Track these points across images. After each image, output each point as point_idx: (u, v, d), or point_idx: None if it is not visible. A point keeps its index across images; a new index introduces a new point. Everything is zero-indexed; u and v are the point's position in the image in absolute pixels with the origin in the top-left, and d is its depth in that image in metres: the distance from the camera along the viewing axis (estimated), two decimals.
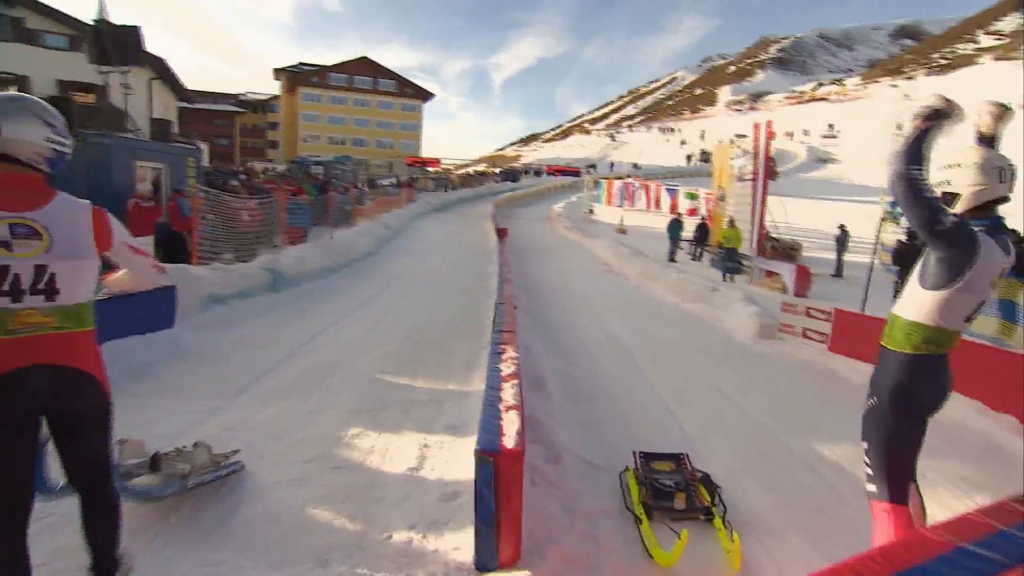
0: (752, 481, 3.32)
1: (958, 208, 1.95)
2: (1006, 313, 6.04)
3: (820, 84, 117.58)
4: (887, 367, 2.04)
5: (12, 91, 4.28)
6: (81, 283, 1.75)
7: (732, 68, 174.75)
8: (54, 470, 1.93)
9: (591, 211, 26.94)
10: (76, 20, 17.58)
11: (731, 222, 13.65)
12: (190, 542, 2.44)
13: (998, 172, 1.93)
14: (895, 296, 2.14)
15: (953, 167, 1.95)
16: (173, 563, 2.27)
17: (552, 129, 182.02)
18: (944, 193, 1.97)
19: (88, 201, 1.80)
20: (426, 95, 63.20)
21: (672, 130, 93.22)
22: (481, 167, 60.98)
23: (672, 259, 15.30)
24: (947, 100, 1.91)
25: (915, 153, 1.86)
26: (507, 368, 3.17)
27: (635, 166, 54.63)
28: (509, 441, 2.19)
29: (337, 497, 2.88)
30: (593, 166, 55.25)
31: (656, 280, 11.33)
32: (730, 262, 13.07)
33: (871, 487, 2.04)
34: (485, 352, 4.76)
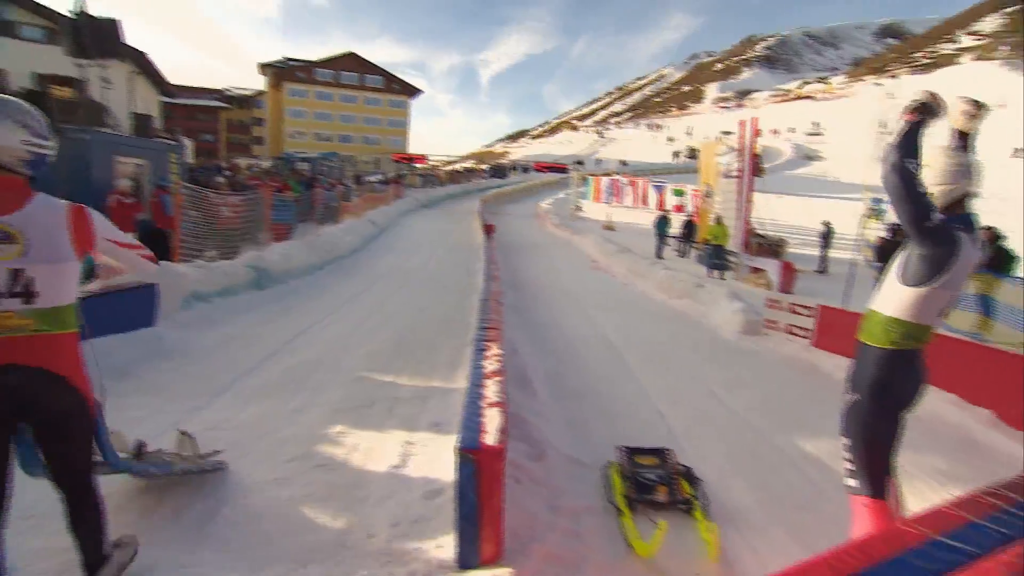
0: (737, 478, 3.35)
1: None
2: (984, 308, 6.15)
3: (806, 82, 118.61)
4: (866, 362, 2.07)
5: None
6: (61, 286, 1.74)
7: (719, 65, 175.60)
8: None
9: (578, 208, 26.99)
10: (53, 12, 17.23)
11: (718, 219, 13.75)
12: (170, 542, 2.41)
13: (965, 170, 1.97)
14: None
15: (922, 167, 1.98)
16: (152, 564, 2.23)
17: (540, 126, 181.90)
18: None
19: (66, 202, 1.78)
20: (414, 91, 62.88)
21: (659, 127, 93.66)
22: (469, 164, 60.77)
23: (659, 256, 15.38)
24: (933, 95, 1.94)
25: (908, 146, 1.89)
26: (491, 365, 3.17)
27: (623, 163, 54.82)
28: (490, 438, 2.18)
29: (320, 496, 2.87)
30: (581, 162, 55.30)
31: (643, 277, 11.38)
32: (717, 259, 13.17)
33: (851, 482, 2.07)
34: (470, 349, 4.75)
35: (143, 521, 2.52)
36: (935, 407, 4.14)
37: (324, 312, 7.28)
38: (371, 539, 2.51)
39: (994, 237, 7.33)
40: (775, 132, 62.90)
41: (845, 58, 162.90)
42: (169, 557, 2.30)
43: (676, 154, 62.14)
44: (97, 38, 12.74)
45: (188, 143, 22.96)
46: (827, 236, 14.76)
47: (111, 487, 2.37)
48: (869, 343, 2.07)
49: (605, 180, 28.68)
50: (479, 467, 2.10)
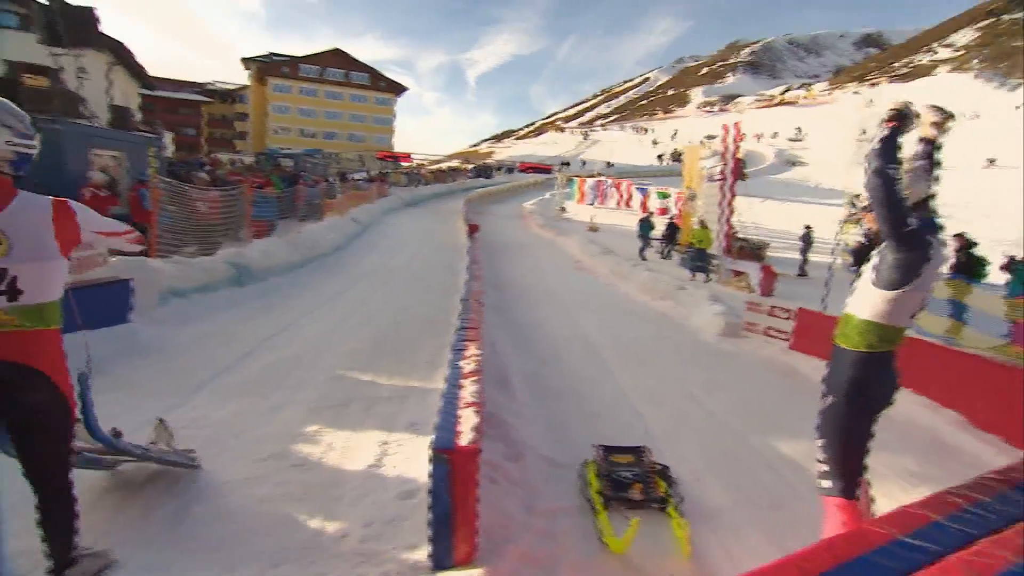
0: (713, 478, 3.38)
1: None
2: (955, 313, 6.29)
3: (789, 88, 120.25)
4: (843, 365, 2.10)
5: None
6: (46, 283, 1.76)
7: (704, 70, 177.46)
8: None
9: (563, 209, 27.07)
10: None
11: (703, 224, 13.87)
12: (138, 543, 2.37)
13: (922, 174, 2.02)
14: None
15: (902, 173, 2.02)
16: (120, 565, 2.19)
17: (526, 126, 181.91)
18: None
19: (50, 198, 1.79)
20: (400, 89, 62.49)
21: (645, 130, 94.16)
22: (454, 163, 60.53)
23: (642, 257, 15.49)
24: (908, 104, 1.99)
25: (889, 151, 1.93)
26: (469, 365, 3.16)
27: (608, 164, 55.03)
28: (465, 438, 2.17)
29: (294, 495, 2.83)
30: (566, 164, 55.42)
31: (626, 278, 11.45)
32: (699, 261, 13.30)
33: (824, 483, 2.09)
34: (449, 349, 4.74)
35: (111, 521, 2.48)
36: (907, 409, 4.22)
37: (305, 310, 7.20)
38: (344, 539, 2.49)
39: (966, 244, 7.51)
40: (758, 137, 63.71)
41: (827, 66, 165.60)
42: (137, 558, 2.26)
43: (661, 157, 62.52)
44: (72, 26, 12.44)
45: (168, 137, 22.53)
46: (807, 240, 14.97)
47: (78, 487, 2.31)
48: (845, 346, 2.11)
49: (590, 181, 28.84)
50: (453, 467, 2.09)
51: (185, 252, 8.14)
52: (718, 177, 13.88)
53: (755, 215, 14.76)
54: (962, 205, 23.14)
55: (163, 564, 2.26)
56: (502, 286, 10.12)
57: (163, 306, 6.08)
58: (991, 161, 38.41)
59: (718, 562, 2.54)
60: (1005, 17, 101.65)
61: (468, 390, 2.75)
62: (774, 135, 67.50)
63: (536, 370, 5.44)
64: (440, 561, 2.17)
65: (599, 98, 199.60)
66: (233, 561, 2.31)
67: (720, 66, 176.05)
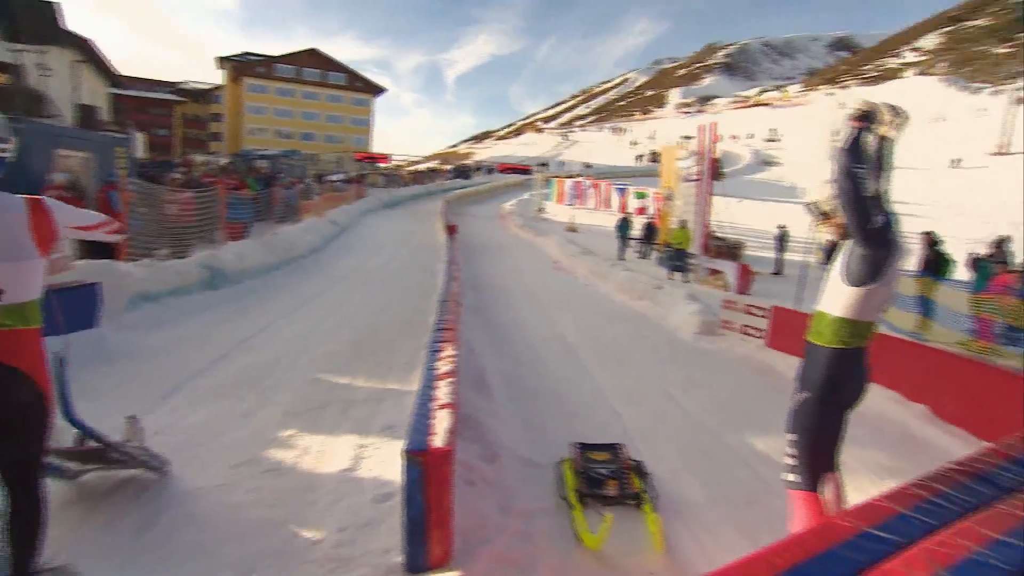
0: (689, 476, 3.41)
1: None
2: (923, 309, 6.45)
3: (764, 90, 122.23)
4: (816, 362, 2.13)
5: None
6: (25, 283, 1.76)
7: (681, 71, 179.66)
8: None
9: (542, 209, 27.12)
10: None
11: (683, 224, 14.01)
12: (105, 553, 2.31)
13: (871, 172, 2.06)
14: None
15: (868, 171, 2.05)
16: None
17: (505, 127, 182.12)
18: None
19: (24, 197, 1.78)
20: (377, 89, 62.03)
21: (623, 130, 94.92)
22: (433, 164, 60.29)
23: (621, 257, 15.59)
24: (872, 104, 2.03)
25: (855, 151, 1.97)
26: (444, 366, 3.14)
27: (586, 165, 55.30)
28: (438, 440, 2.15)
29: (267, 501, 2.79)
30: (545, 164, 55.55)
31: (604, 278, 11.51)
32: (677, 261, 13.43)
33: (792, 477, 2.13)
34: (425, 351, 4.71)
35: (74, 533, 2.41)
36: (878, 404, 4.30)
37: (281, 312, 7.10)
38: (318, 544, 2.45)
39: (932, 242, 7.69)
40: (734, 137, 64.60)
41: (800, 68, 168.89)
42: (101, 569, 2.19)
43: (639, 157, 62.99)
44: (33, 21, 12.07)
45: (140, 137, 22.01)
46: (783, 239, 15.20)
47: None
48: (818, 343, 2.14)
49: (569, 182, 28.95)
50: (426, 470, 2.07)
51: (157, 255, 7.96)
52: (695, 177, 14.05)
53: (732, 215, 14.93)
54: (929, 204, 23.80)
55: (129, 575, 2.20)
56: (481, 287, 10.10)
57: (133, 310, 5.93)
58: (957, 162, 39.51)
59: (692, 558, 2.56)
60: (966, 24, 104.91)
61: (443, 391, 2.73)
62: (750, 136, 68.56)
63: (514, 370, 5.43)
64: (415, 564, 2.15)
65: (578, 99, 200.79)
66: (203, 570, 2.26)
67: (696, 68, 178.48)
